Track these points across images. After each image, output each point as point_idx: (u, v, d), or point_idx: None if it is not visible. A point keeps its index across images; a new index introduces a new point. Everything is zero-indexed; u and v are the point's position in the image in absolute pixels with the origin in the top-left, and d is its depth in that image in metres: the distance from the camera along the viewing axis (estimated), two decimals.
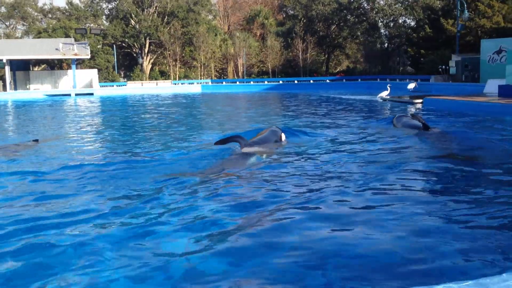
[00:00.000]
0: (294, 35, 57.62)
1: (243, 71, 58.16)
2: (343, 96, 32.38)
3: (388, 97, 27.07)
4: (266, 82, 52.63)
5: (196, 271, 4.44)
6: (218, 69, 62.27)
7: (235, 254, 4.73)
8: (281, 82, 52.37)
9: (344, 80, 51.46)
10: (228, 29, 67.49)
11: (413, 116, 13.23)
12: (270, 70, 58.89)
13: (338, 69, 63.72)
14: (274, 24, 63.64)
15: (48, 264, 4.60)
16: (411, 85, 32.78)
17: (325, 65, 61.95)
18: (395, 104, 24.62)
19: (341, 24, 57.82)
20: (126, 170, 8.80)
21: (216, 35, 60.19)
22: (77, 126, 18.39)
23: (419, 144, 10.82)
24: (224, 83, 54.88)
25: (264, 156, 9.37)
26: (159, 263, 4.53)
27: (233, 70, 61.74)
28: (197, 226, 5.51)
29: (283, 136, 11.14)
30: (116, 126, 18.90)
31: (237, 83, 53.33)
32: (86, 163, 9.79)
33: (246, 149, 9.34)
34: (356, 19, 56.05)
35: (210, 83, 53.57)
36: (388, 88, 28.07)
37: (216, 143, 9.67)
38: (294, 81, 52.34)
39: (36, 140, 12.47)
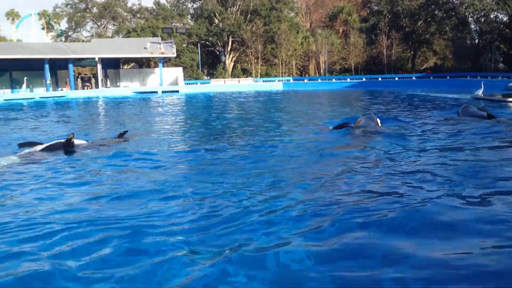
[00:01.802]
0: (378, 31, 56.18)
1: (325, 69, 57.49)
2: (432, 94, 31.08)
3: (482, 95, 25.61)
4: (348, 80, 51.68)
5: None
6: (299, 67, 61.98)
7: None
8: (364, 79, 51.21)
9: (431, 78, 49.45)
10: (310, 26, 66.96)
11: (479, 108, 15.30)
12: (352, 67, 57.80)
13: (424, 66, 61.34)
14: (357, 21, 62.37)
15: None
16: None
17: (411, 62, 59.87)
18: (492, 103, 23.15)
19: (429, 19, 55.58)
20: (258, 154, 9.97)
21: (298, 32, 59.93)
22: (166, 122, 18.86)
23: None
24: (305, 80, 54.49)
25: (372, 135, 11.70)
26: None
27: (314, 68, 61.21)
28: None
29: (379, 121, 13.47)
30: (214, 121, 19.19)
31: (319, 80, 52.76)
32: (193, 156, 9.96)
33: (358, 131, 12.08)
34: (445, 14, 53.62)
35: (291, 81, 53.40)
36: (482, 86, 26.56)
37: (334, 128, 12.94)
38: (378, 78, 51.00)
39: (124, 133, 12.80)
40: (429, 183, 6.96)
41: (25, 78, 40.71)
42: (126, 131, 12.95)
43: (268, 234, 5.13)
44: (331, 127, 13.25)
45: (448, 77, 47.67)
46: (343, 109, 23.20)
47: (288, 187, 7.12)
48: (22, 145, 11.34)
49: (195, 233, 5.25)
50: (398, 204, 5.91)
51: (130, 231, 5.30)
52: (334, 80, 52.47)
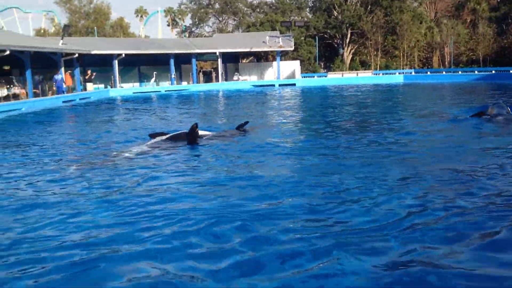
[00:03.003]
0: (510, 20, 51.94)
1: (450, 60, 54.39)
2: None
3: None
4: (476, 72, 48.34)
5: None
6: (421, 59, 59.30)
7: None
8: (493, 71, 47.60)
9: None
10: (435, 16, 63.68)
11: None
12: (481, 59, 54.06)
13: None
14: (486, 10, 58.18)
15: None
16: None
17: None
18: None
19: None
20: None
21: (421, 23, 57.27)
22: (284, 114, 18.88)
23: None
24: (428, 73, 51.90)
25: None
26: None
27: (438, 59, 58.19)
28: None
29: (509, 109, 13.71)
30: (333, 114, 18.95)
31: (443, 73, 49.96)
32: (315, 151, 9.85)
33: (499, 119, 12.74)
34: None
35: (413, 73, 51.17)
36: None
37: (472, 116, 13.66)
38: (509, 70, 47.15)
39: (244, 125, 12.96)
40: None
41: (154, 72, 43.18)
42: (246, 122, 13.11)
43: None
44: (468, 116, 13.83)
45: None
46: (473, 102, 21.70)
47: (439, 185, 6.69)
48: (152, 136, 11.92)
49: (343, 233, 5.05)
50: None
51: (257, 221, 5.25)
52: (460, 72, 49.37)
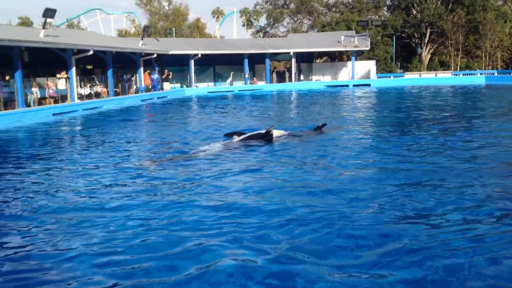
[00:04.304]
0: None
1: None
2: None
3: None
4: None
5: None
6: (505, 59, 56.28)
7: None
8: None
9: None
10: None
11: None
12: None
13: None
14: None
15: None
16: None
17: None
18: None
19: None
20: None
21: (505, 22, 54.36)
22: (360, 116, 18.52)
23: None
24: None
25: None
26: None
27: None
28: None
29: None
30: (413, 116, 18.43)
31: None
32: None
33: None
34: None
35: (496, 74, 48.67)
36: None
37: None
38: None
39: (322, 126, 12.83)
40: None
41: (231, 72, 43.83)
42: (324, 124, 12.97)
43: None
44: None
45: None
46: None
47: None
48: (227, 135, 12.06)
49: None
50: None
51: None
52: None
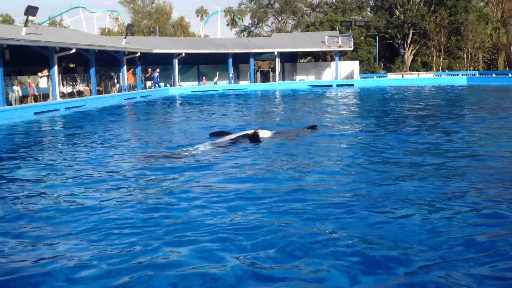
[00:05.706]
0: None
1: None
2: None
3: None
4: None
5: None
6: (486, 60, 56.99)
7: None
8: None
9: None
10: (502, 16, 61.09)
11: None
12: None
13: None
14: None
15: None
16: None
17: None
18: None
19: None
20: None
21: (487, 23, 55.05)
22: (342, 115, 18.59)
23: None
24: (493, 75, 49.81)
25: None
26: None
27: (504, 61, 55.80)
28: None
29: None
30: (397, 116, 18.54)
31: (509, 75, 47.80)
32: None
33: None
34: None
35: (477, 75, 49.26)
36: None
37: None
38: None
39: (314, 127, 12.87)
40: None
41: (217, 72, 43.67)
42: (315, 126, 13.03)
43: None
44: None
45: None
46: None
47: None
48: (212, 135, 12.00)
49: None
50: None
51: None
52: None
